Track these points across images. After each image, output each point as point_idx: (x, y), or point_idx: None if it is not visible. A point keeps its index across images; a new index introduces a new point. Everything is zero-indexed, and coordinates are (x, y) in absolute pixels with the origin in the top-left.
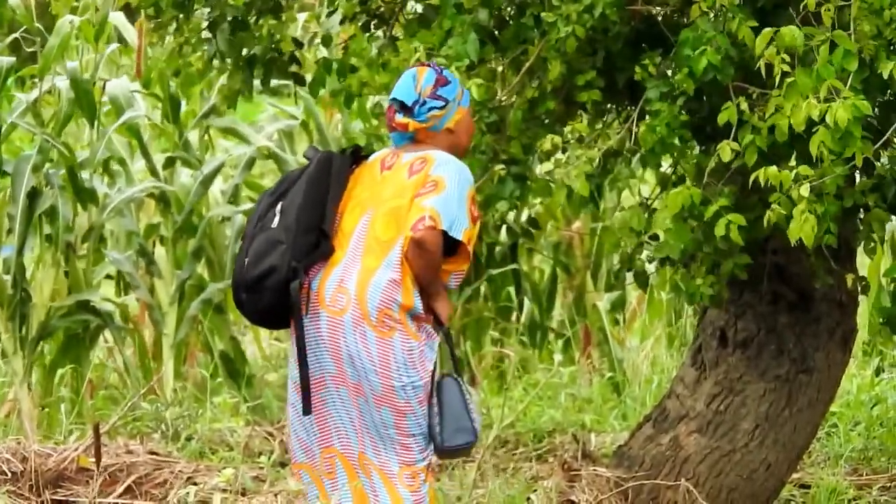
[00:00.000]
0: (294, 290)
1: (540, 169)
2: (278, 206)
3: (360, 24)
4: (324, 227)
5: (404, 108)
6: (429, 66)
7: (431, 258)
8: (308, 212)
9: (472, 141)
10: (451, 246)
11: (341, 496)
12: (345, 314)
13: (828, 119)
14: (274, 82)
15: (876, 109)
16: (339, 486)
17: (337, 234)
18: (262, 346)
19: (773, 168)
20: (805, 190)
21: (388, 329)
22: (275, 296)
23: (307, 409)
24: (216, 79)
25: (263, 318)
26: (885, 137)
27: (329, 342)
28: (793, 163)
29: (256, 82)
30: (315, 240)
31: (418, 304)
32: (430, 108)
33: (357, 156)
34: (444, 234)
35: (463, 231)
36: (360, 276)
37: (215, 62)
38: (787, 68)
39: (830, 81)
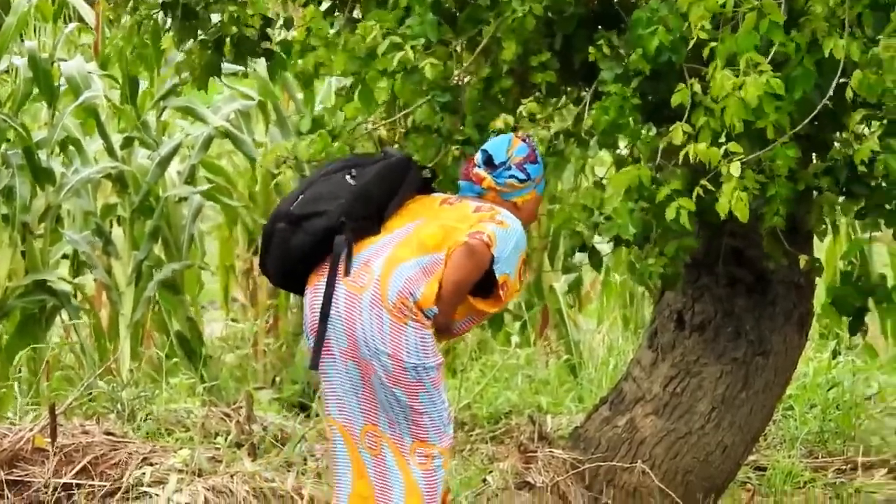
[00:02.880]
0: (338, 244)
1: None
2: (352, 171)
3: (319, 4)
4: (382, 211)
5: (489, 163)
6: (525, 139)
7: (471, 268)
8: (374, 187)
9: (530, 221)
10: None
11: (338, 465)
12: (364, 292)
13: (741, 94)
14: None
15: (831, 91)
16: (337, 456)
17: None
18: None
19: (702, 145)
20: (735, 168)
21: (403, 316)
22: (308, 239)
23: (315, 363)
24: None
25: (283, 262)
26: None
27: (345, 316)
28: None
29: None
30: (368, 215)
31: (430, 314)
32: (512, 176)
33: (426, 182)
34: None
35: (504, 274)
36: (389, 260)
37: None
38: (705, 35)
39: (750, 54)
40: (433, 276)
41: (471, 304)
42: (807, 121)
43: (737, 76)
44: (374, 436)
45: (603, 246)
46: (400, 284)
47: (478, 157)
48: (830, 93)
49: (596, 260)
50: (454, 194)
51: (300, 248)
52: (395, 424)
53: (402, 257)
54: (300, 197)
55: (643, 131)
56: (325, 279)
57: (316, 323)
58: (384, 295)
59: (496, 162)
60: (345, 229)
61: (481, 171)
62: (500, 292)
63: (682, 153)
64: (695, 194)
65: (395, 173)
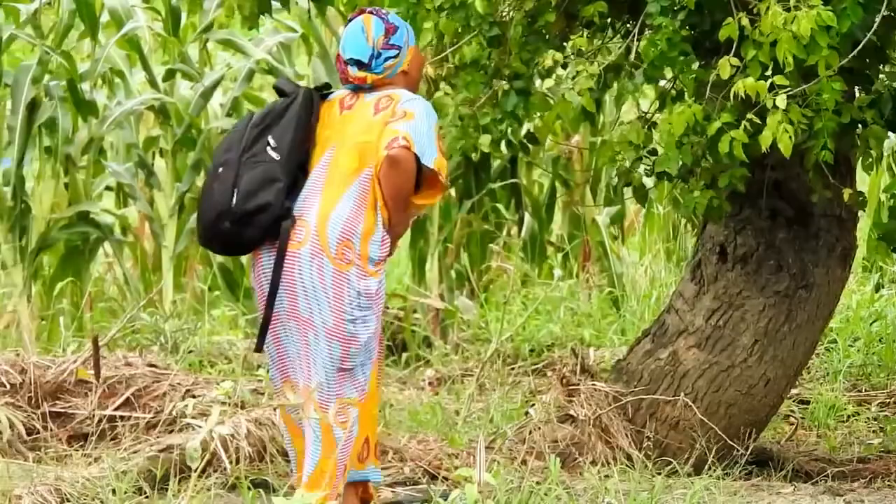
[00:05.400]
0: (285, 229)
1: (541, 84)
2: (270, 140)
3: None
4: (306, 165)
5: (360, 65)
6: (373, 13)
7: (405, 178)
8: (296, 150)
9: (421, 73)
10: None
11: (311, 426)
12: (302, 247)
13: (794, 28)
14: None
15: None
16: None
17: None
18: None
19: (750, 79)
20: (781, 101)
21: (346, 263)
22: (260, 232)
23: (259, 347)
24: None
25: (228, 248)
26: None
27: (285, 277)
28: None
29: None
30: (296, 178)
31: (374, 252)
32: (386, 59)
33: (322, 94)
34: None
35: (433, 160)
36: (321, 208)
37: None
38: None
39: None
40: (366, 203)
41: (418, 203)
42: (853, 54)
43: (787, 11)
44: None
45: (647, 180)
46: (339, 229)
47: (347, 65)
48: (875, 26)
49: (641, 194)
50: (346, 89)
51: (252, 240)
52: (323, 387)
53: (333, 198)
54: (235, 190)
55: (689, 65)
56: (269, 251)
57: (263, 300)
58: (325, 245)
59: (366, 60)
60: (289, 213)
61: (358, 73)
62: (441, 178)
63: (733, 89)
64: (742, 127)
65: (306, 114)
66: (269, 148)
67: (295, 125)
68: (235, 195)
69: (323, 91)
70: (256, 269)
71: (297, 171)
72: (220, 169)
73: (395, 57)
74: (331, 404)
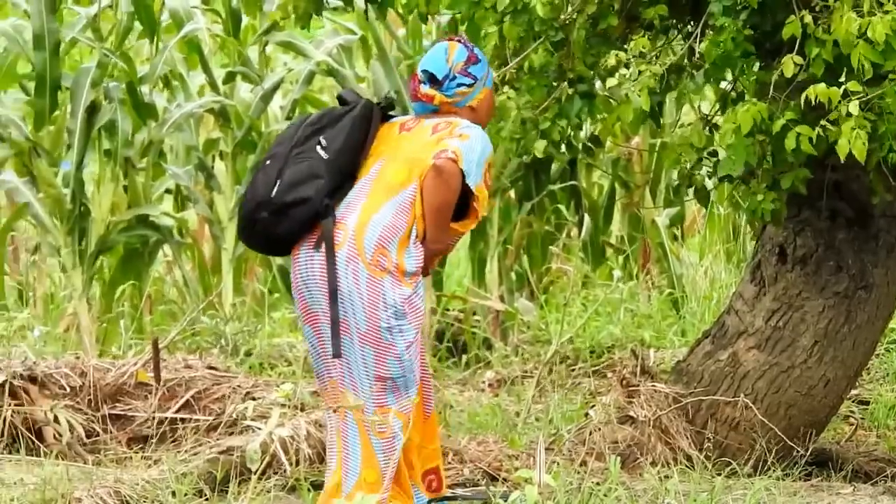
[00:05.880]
0: (327, 227)
1: (602, 86)
2: (322, 140)
3: None
4: (354, 173)
5: (433, 81)
6: (459, 41)
7: (446, 190)
8: (346, 155)
9: (489, 117)
10: (459, 211)
11: (349, 427)
12: (339, 250)
13: (868, 33)
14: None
15: None
16: (348, 418)
17: None
18: None
19: (822, 85)
20: (854, 107)
21: (382, 270)
22: (295, 226)
23: (337, 352)
24: None
25: (269, 242)
26: None
27: (320, 278)
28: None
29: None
30: (342, 183)
31: (409, 264)
32: (459, 84)
33: (385, 113)
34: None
35: (476, 185)
36: (361, 213)
37: None
38: None
39: None
40: (406, 215)
41: (454, 228)
42: None
43: (860, 16)
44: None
45: (707, 181)
46: (376, 236)
47: (420, 76)
48: None
49: (703, 196)
50: (410, 115)
51: (288, 234)
52: (358, 390)
53: (374, 206)
54: (278, 182)
55: (751, 65)
56: (307, 250)
57: (302, 292)
58: (360, 250)
59: (440, 77)
60: (329, 212)
61: (429, 90)
62: (476, 205)
63: (805, 93)
64: (815, 133)
65: (362, 124)
66: (318, 147)
67: (349, 131)
68: (277, 186)
69: (386, 110)
70: (294, 270)
71: (344, 175)
72: (268, 161)
73: (468, 86)
74: (369, 411)
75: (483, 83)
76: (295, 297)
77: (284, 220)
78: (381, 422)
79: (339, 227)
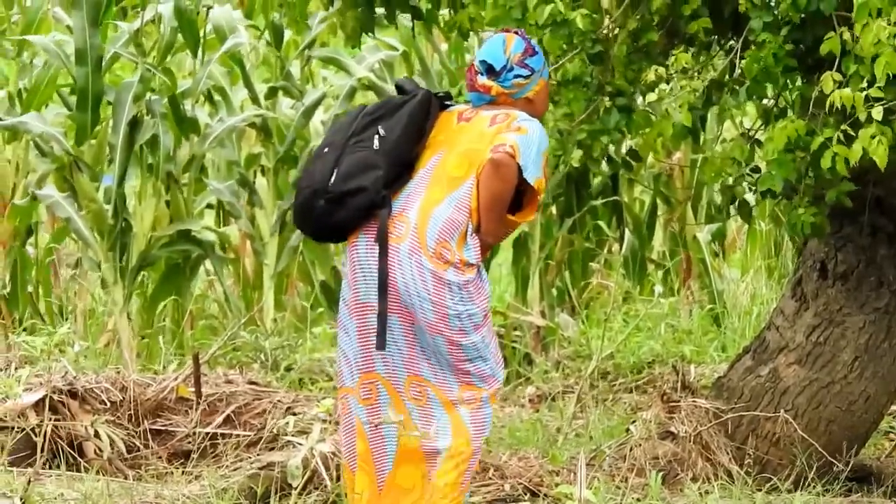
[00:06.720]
0: (383, 218)
1: (642, 101)
2: (380, 129)
3: None
4: (412, 163)
5: (490, 72)
6: (517, 33)
7: (503, 184)
8: (404, 145)
9: (545, 109)
10: (515, 203)
11: (382, 419)
12: (402, 242)
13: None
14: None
15: None
16: (381, 410)
17: None
18: None
19: (846, 90)
20: (877, 112)
21: (444, 262)
22: (351, 215)
23: (381, 344)
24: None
25: (324, 231)
26: None
27: (382, 270)
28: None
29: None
30: (401, 173)
31: (469, 255)
32: (517, 76)
33: (443, 103)
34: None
35: (535, 178)
36: (423, 206)
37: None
38: None
39: None
40: (466, 209)
41: (512, 220)
42: None
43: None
44: (419, 385)
45: (749, 196)
46: (437, 229)
47: (478, 66)
48: None
49: (745, 211)
50: (467, 104)
51: (344, 222)
52: (439, 371)
53: (435, 199)
54: (335, 171)
55: (793, 80)
56: (367, 241)
57: (357, 282)
58: (423, 243)
59: (497, 68)
60: (386, 203)
61: (486, 81)
62: (538, 198)
63: (829, 101)
64: (834, 139)
65: (421, 113)
66: (376, 136)
67: (407, 121)
68: (335, 175)
69: (444, 100)
70: (350, 257)
71: (401, 166)
72: (326, 149)
73: (525, 78)
74: (453, 387)
75: (540, 75)
76: (347, 287)
77: (341, 209)
78: (470, 397)
79: (400, 220)
